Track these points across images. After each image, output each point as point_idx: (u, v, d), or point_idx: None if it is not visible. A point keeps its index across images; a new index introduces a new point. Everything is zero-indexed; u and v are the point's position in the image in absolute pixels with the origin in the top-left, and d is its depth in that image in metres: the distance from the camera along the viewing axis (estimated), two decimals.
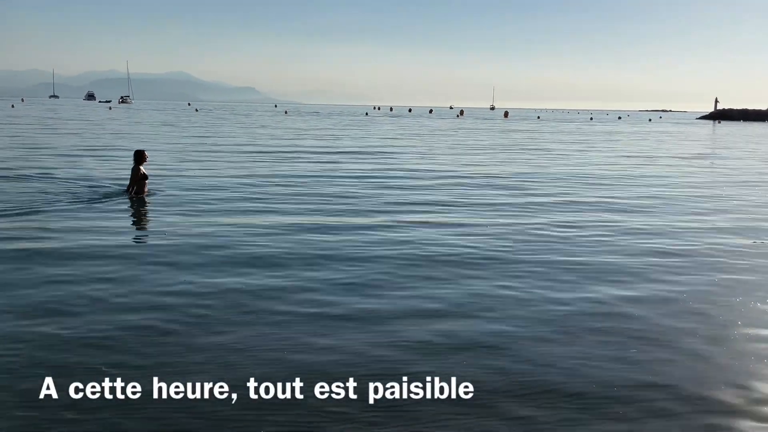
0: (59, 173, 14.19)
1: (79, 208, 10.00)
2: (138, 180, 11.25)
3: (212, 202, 10.92)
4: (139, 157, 11.27)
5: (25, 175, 13.69)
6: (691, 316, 5.47)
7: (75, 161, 17.25)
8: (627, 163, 21.64)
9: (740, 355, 4.61)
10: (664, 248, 8.05)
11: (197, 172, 15.17)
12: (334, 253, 7.26)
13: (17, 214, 9.30)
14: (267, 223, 8.94)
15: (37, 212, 9.52)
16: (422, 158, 21.26)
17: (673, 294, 6.02)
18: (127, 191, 11.34)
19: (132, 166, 11.37)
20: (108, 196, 11.24)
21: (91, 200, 10.80)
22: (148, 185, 11.46)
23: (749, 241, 8.71)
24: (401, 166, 18.00)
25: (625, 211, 10.93)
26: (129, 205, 10.51)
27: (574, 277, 6.50)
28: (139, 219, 9.63)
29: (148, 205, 10.59)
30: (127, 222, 9.29)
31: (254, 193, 12.07)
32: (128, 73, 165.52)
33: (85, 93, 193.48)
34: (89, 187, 12.28)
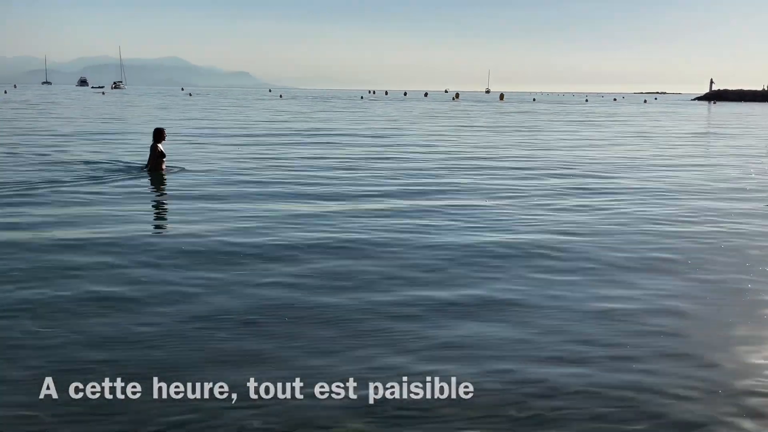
0: (61, 156, 14.22)
1: (85, 192, 9.84)
2: (156, 157, 11.51)
3: (219, 188, 10.54)
4: (158, 135, 11.49)
5: (26, 158, 13.81)
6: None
7: (74, 145, 17.26)
8: (632, 145, 21.66)
9: None
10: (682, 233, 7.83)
11: (199, 156, 15.07)
12: (339, 243, 7.00)
13: (16, 198, 9.24)
14: (274, 212, 8.68)
15: (39, 195, 9.45)
16: (423, 140, 21.39)
17: (679, 294, 5.63)
18: (145, 168, 11.63)
19: (151, 144, 11.62)
20: (120, 175, 11.33)
21: (98, 181, 10.74)
22: (165, 163, 11.72)
23: None
24: (406, 150, 18.01)
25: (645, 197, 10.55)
26: (143, 188, 10.38)
27: (579, 273, 6.17)
28: (155, 206, 9.31)
29: (163, 187, 10.50)
30: (137, 208, 8.85)
31: (258, 178, 11.72)
32: (121, 59, 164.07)
33: (77, 79, 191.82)
34: (93, 170, 12.19)
